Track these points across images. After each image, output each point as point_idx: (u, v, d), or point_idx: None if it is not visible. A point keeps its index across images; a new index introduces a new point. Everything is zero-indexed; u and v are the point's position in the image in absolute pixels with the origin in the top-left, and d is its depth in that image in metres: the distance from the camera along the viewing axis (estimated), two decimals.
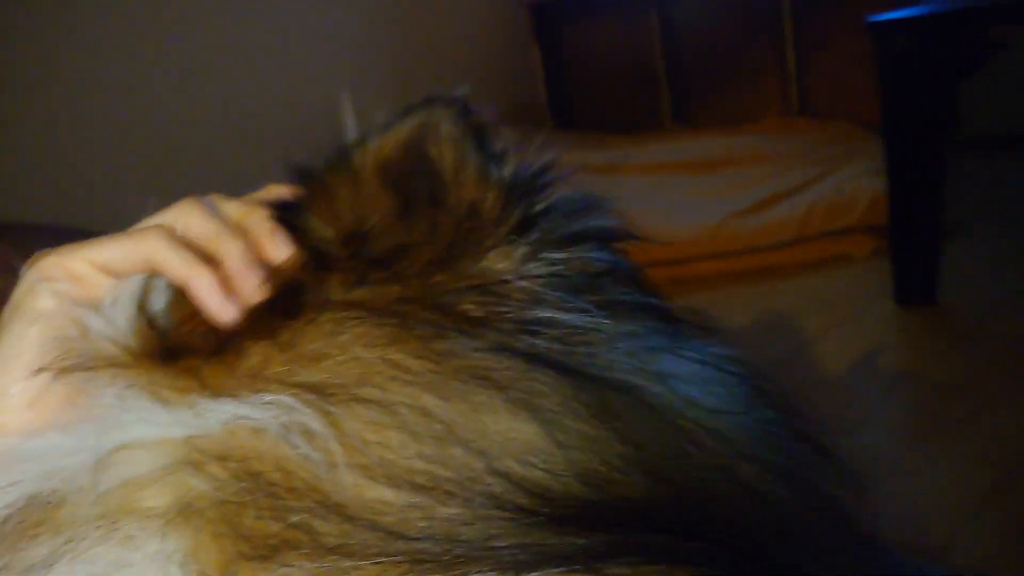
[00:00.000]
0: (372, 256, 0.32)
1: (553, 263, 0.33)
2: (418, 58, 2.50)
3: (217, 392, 0.29)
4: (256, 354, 0.30)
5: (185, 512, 0.26)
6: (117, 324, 0.31)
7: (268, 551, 0.25)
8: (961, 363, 1.31)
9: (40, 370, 0.30)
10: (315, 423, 0.27)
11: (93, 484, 0.27)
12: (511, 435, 0.28)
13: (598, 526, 0.26)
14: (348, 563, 0.25)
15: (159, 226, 0.33)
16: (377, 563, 0.25)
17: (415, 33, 2.51)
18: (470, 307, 0.31)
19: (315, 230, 0.34)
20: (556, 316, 0.32)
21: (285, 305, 0.31)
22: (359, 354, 0.29)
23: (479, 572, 0.24)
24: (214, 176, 1.98)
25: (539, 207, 0.35)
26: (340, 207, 0.34)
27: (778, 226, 1.78)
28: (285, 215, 0.34)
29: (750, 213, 1.83)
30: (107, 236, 0.33)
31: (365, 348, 0.29)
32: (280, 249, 0.33)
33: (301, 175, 0.36)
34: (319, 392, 0.28)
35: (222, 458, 0.27)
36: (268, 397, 0.28)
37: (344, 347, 0.29)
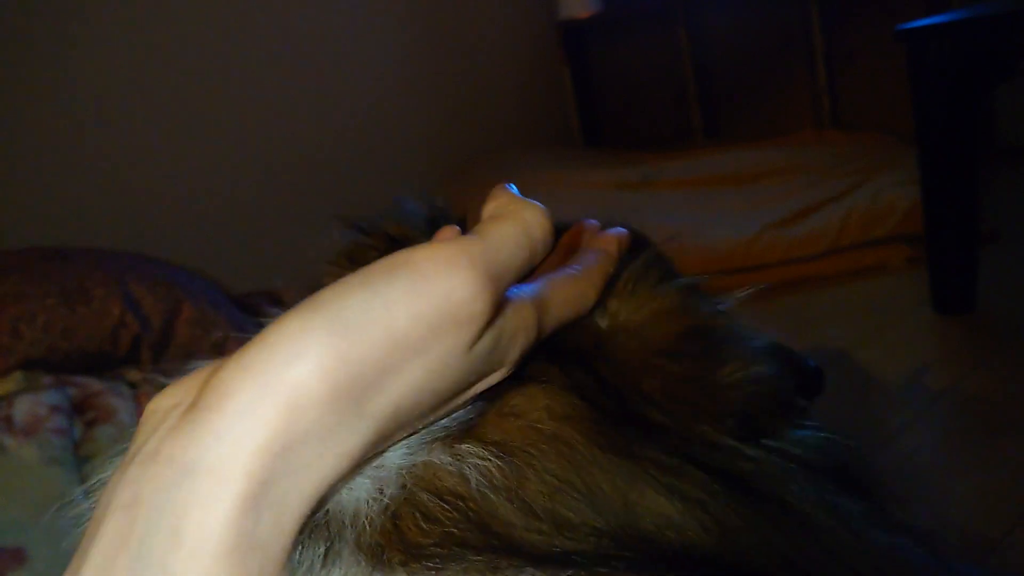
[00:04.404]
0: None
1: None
2: (448, 76, 2.53)
3: None
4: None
5: None
6: None
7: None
8: (1001, 370, 1.30)
9: None
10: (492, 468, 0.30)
11: None
12: (652, 507, 0.30)
13: None
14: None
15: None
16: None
17: (444, 51, 2.55)
18: (656, 416, 0.34)
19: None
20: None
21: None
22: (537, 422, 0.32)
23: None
24: (247, 200, 2.02)
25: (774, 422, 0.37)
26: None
27: (813, 237, 1.78)
28: None
29: (785, 225, 1.83)
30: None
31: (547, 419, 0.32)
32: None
33: None
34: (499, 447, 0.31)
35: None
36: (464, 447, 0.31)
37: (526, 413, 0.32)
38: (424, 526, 0.27)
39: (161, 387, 0.31)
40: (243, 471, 0.23)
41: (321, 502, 0.25)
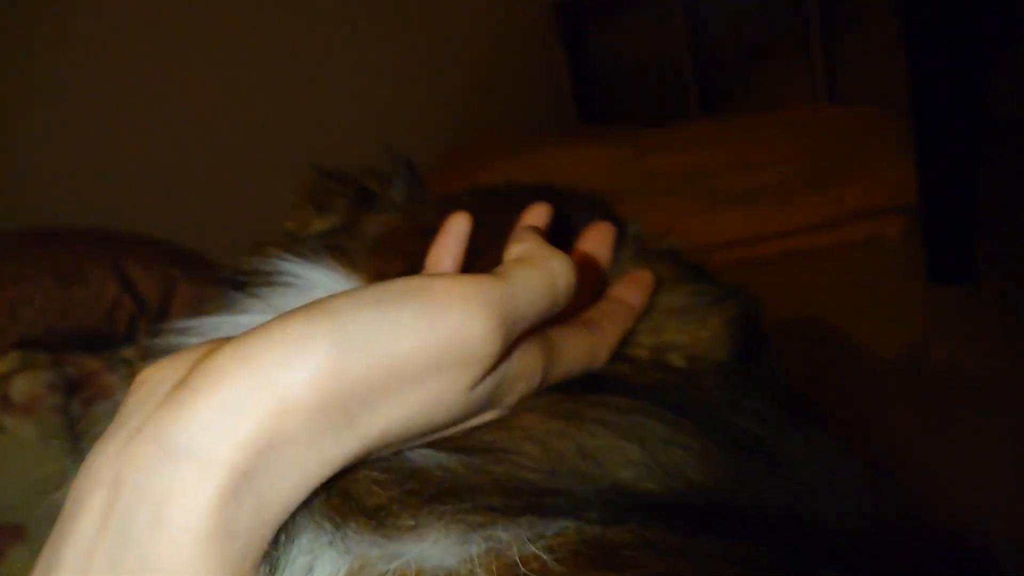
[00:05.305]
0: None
1: None
2: (442, 55, 2.52)
3: None
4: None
5: None
6: None
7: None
8: (998, 343, 1.30)
9: None
10: None
11: None
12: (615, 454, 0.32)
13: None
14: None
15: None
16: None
17: (439, 30, 2.53)
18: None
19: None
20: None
21: None
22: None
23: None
24: (241, 191, 2.01)
25: None
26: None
27: (809, 209, 1.78)
28: None
29: (780, 197, 1.83)
30: None
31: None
32: None
33: None
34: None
35: None
36: None
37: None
38: (376, 490, 0.28)
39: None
40: (227, 461, 0.23)
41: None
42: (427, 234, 0.39)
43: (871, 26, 2.31)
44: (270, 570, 0.25)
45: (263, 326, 0.25)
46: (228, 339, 0.25)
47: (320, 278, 0.40)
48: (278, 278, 0.40)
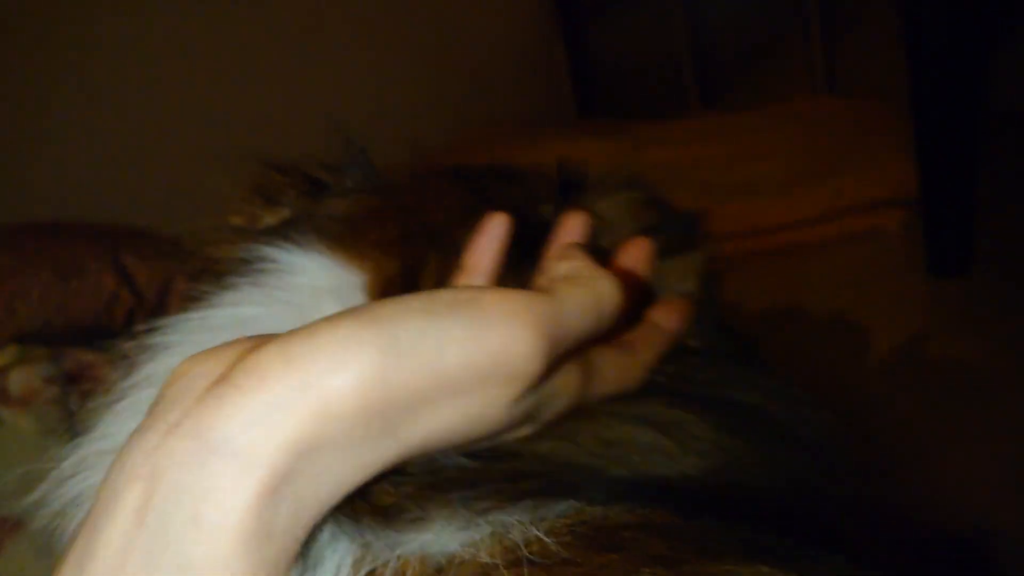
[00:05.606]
0: None
1: None
2: (441, 50, 2.52)
3: None
4: None
5: None
6: None
7: None
8: (996, 336, 1.30)
9: None
10: None
11: None
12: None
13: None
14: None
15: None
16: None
17: (437, 24, 2.53)
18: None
19: None
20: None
21: None
22: None
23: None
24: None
25: None
26: None
27: (808, 202, 1.78)
28: None
29: (780, 190, 1.83)
30: None
31: None
32: None
33: None
34: None
35: None
36: None
37: None
38: (390, 489, 0.28)
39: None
40: (268, 462, 0.23)
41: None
42: (408, 213, 0.39)
43: (871, 24, 2.31)
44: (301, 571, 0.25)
45: (310, 327, 0.25)
46: (272, 336, 0.25)
47: (308, 263, 0.39)
48: (265, 265, 0.40)
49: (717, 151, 2.12)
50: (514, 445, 0.30)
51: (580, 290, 0.29)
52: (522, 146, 2.22)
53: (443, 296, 0.26)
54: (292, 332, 0.25)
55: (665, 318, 0.38)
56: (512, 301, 0.26)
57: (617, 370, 0.33)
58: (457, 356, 0.25)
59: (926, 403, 1.18)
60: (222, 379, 0.24)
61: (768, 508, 0.30)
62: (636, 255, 0.40)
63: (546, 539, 0.26)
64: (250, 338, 0.26)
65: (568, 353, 0.29)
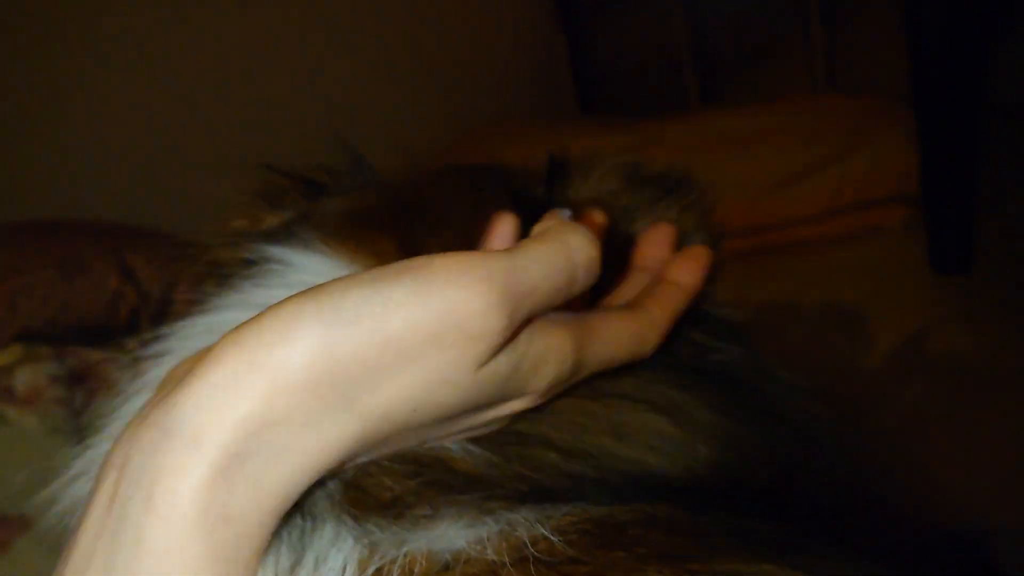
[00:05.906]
0: None
1: None
2: (442, 47, 2.51)
3: None
4: None
5: None
6: None
7: None
8: (997, 333, 1.30)
9: None
10: None
11: None
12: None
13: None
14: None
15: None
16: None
17: (437, 21, 2.52)
18: None
19: None
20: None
21: None
22: None
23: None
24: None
25: None
26: None
27: (810, 199, 1.78)
28: None
29: (781, 187, 1.82)
30: None
31: None
32: None
33: None
34: None
35: None
36: None
37: None
38: (390, 483, 0.28)
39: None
40: (218, 442, 0.23)
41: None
42: (407, 209, 0.39)
43: (872, 23, 2.31)
44: (292, 563, 0.25)
45: (260, 312, 0.25)
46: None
47: (310, 261, 0.40)
48: (267, 265, 0.40)
49: (718, 148, 2.12)
50: (521, 428, 0.30)
51: (544, 243, 0.27)
52: (524, 144, 2.22)
53: (392, 265, 0.26)
54: (248, 319, 0.25)
55: (680, 272, 0.36)
56: (461, 260, 0.25)
57: (622, 332, 0.31)
58: (404, 320, 0.24)
59: (927, 400, 1.18)
60: (188, 372, 0.25)
61: (771, 499, 0.30)
62: (658, 239, 0.39)
63: (553, 537, 0.26)
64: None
65: (551, 314, 0.28)
